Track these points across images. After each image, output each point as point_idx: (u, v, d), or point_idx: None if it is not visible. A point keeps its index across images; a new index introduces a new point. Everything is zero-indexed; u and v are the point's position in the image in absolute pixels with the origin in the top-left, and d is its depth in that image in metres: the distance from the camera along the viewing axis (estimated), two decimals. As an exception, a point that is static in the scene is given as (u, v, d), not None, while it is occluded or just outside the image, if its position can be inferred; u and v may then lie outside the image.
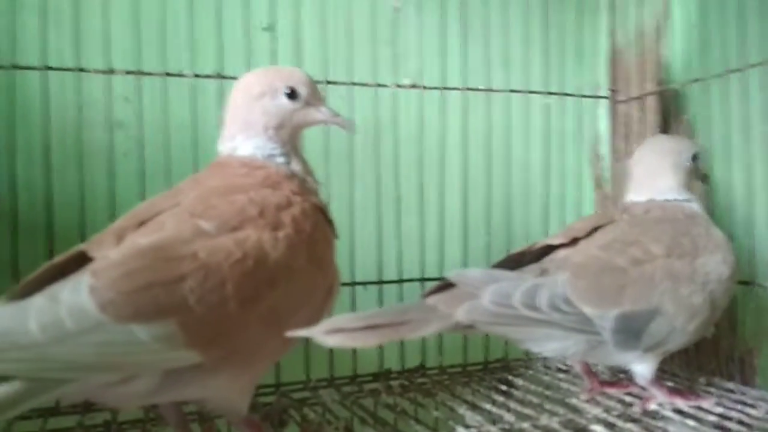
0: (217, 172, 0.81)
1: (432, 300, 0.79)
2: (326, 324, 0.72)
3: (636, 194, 1.01)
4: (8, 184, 0.94)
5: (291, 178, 0.82)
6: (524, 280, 0.81)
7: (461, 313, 0.77)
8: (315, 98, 0.85)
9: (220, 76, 1.05)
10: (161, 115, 1.02)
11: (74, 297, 0.61)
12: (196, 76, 1.04)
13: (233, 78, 1.05)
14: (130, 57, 1.01)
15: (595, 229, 0.92)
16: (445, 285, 0.82)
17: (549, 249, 0.91)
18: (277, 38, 1.08)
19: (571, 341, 0.83)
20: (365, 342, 0.73)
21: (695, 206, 0.99)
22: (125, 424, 0.91)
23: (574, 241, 0.90)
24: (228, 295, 0.67)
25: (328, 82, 1.10)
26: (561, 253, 0.89)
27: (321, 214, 0.82)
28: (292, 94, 0.83)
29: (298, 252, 0.74)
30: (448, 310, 0.77)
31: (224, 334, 0.67)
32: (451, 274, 0.81)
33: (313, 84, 0.85)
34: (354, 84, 1.12)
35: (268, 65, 1.07)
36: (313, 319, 0.75)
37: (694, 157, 1.01)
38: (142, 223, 0.71)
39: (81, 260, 0.67)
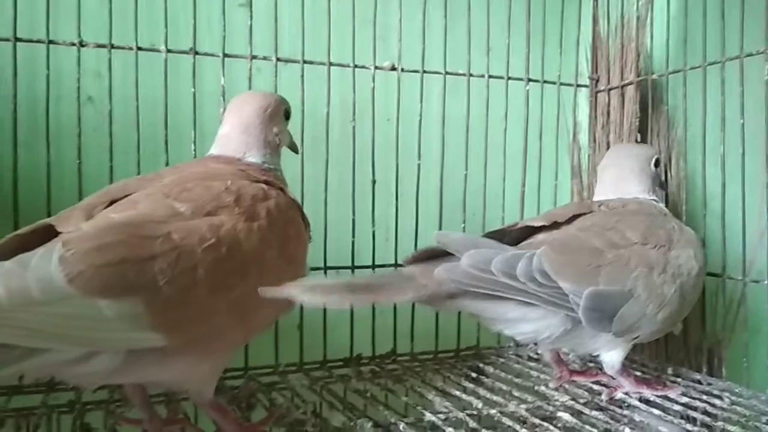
0: (204, 163, 0.81)
1: (410, 269, 0.79)
2: (302, 282, 0.71)
3: (601, 195, 1.04)
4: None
5: (276, 181, 0.84)
6: (505, 249, 0.82)
7: (440, 272, 0.77)
8: None
9: (195, 52, 1.03)
10: (132, 91, 0.99)
11: (43, 265, 0.59)
12: (169, 51, 1.02)
13: (208, 54, 1.04)
14: (101, 30, 0.98)
15: (575, 217, 0.92)
16: (427, 255, 0.82)
17: (528, 231, 0.91)
18: (253, 15, 1.06)
19: (545, 323, 0.83)
20: (340, 303, 0.72)
21: (661, 206, 1.02)
22: (90, 404, 0.89)
23: (554, 225, 0.91)
24: (198, 279, 0.65)
25: (305, 62, 1.08)
26: (539, 237, 0.89)
27: (297, 211, 0.82)
28: (287, 116, 0.92)
29: (271, 245, 0.74)
30: (426, 281, 0.77)
31: (190, 319, 0.65)
32: (435, 235, 0.82)
33: None
34: (332, 64, 1.10)
35: (244, 43, 1.05)
36: (277, 314, 0.74)
37: (656, 163, 1.04)
38: (112, 202, 0.69)
39: (47, 234, 0.65)
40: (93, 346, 0.62)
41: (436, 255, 0.82)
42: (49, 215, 0.92)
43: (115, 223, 0.64)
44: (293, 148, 0.96)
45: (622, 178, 1.03)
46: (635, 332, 0.85)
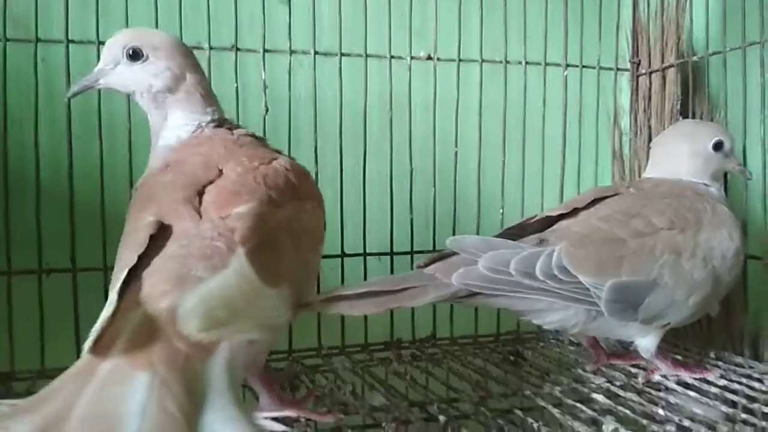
0: (232, 140, 0.81)
1: (430, 269, 0.80)
2: (328, 292, 0.75)
3: (650, 174, 1.02)
4: (33, 153, 0.98)
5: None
6: (522, 249, 0.82)
7: (456, 278, 0.78)
8: None
9: (237, 49, 1.07)
10: (178, 87, 1.04)
11: (240, 266, 0.62)
12: (212, 48, 1.06)
13: (249, 50, 1.08)
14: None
15: (596, 201, 0.92)
16: (444, 255, 0.83)
17: (548, 221, 0.91)
18: (292, 11, 1.09)
19: (570, 312, 0.84)
20: (364, 310, 0.76)
21: (712, 190, 0.97)
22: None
23: (574, 212, 0.90)
24: (310, 259, 0.73)
25: (342, 55, 1.11)
26: (562, 224, 0.89)
27: None
28: None
29: (321, 218, 0.80)
30: (446, 279, 0.78)
31: (301, 295, 0.72)
32: (448, 241, 0.82)
33: None
34: (369, 56, 1.13)
35: (284, 38, 1.09)
36: None
37: (717, 146, 0.97)
38: (198, 192, 0.69)
39: (162, 230, 0.65)
40: (277, 329, 0.69)
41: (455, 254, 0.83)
42: (102, 205, 0.99)
43: (251, 214, 0.67)
44: None
45: (668, 156, 1.00)
46: (664, 319, 0.85)
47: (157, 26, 1.02)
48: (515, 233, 0.90)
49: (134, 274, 0.60)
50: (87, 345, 0.53)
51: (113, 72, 0.81)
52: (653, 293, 0.82)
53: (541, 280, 0.79)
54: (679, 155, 0.98)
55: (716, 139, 0.97)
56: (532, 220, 0.92)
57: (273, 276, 0.64)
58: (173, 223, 0.66)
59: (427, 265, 0.82)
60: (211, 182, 0.71)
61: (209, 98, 0.83)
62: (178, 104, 0.81)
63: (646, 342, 0.89)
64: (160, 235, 0.64)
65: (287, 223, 0.70)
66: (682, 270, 0.84)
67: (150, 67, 0.79)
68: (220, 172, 0.73)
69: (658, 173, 1.00)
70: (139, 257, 0.61)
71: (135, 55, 0.79)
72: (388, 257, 1.14)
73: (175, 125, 0.81)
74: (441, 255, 0.83)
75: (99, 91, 0.99)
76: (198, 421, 0.50)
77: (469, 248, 0.81)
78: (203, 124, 0.81)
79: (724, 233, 0.88)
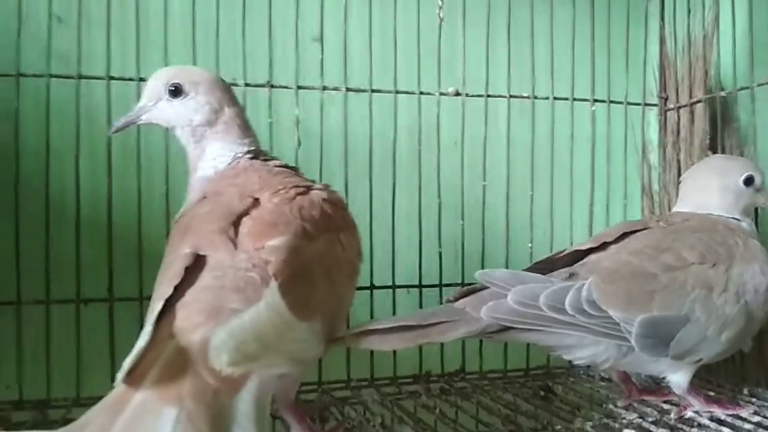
0: (262, 170, 0.82)
1: (460, 303, 0.81)
2: (358, 327, 0.76)
3: (680, 208, 1.02)
4: (74, 185, 1.01)
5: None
6: (552, 282, 0.82)
7: (485, 311, 0.78)
8: None
9: (271, 85, 1.10)
10: (214, 122, 1.07)
11: (272, 300, 0.63)
12: (248, 85, 1.09)
13: (283, 87, 1.11)
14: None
15: (626, 235, 0.92)
16: (474, 289, 0.83)
17: (578, 255, 0.91)
18: (324, 49, 1.12)
19: (601, 347, 0.83)
20: (394, 345, 0.76)
21: (744, 225, 0.96)
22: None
23: (603, 246, 0.91)
24: (343, 291, 0.74)
25: (373, 91, 1.14)
26: (592, 258, 0.89)
27: None
28: None
29: (357, 248, 0.81)
30: (475, 313, 0.79)
31: (333, 329, 0.72)
32: (477, 274, 0.83)
33: None
34: (398, 92, 1.16)
35: (316, 75, 1.12)
36: None
37: (748, 181, 0.97)
38: (234, 223, 0.70)
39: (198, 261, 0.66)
40: (307, 363, 0.71)
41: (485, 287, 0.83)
42: (139, 237, 1.02)
43: (294, 253, 0.68)
44: None
45: (699, 191, 0.99)
46: (696, 355, 0.84)
47: (195, 64, 1.05)
48: (544, 267, 0.90)
49: (170, 305, 0.61)
50: (120, 375, 0.54)
51: (155, 108, 0.83)
52: (685, 329, 0.82)
53: (570, 315, 0.79)
54: (710, 190, 0.98)
55: (747, 174, 0.97)
56: (562, 254, 0.92)
57: (305, 310, 0.65)
58: (208, 253, 0.67)
59: (456, 299, 0.82)
60: (246, 212, 0.72)
61: (246, 130, 0.85)
62: (216, 136, 0.83)
63: (678, 378, 0.88)
64: (196, 266, 0.65)
65: (321, 256, 0.71)
66: (714, 305, 0.83)
67: (190, 103, 0.81)
68: (256, 201, 0.74)
69: (688, 208, 1.00)
70: (175, 288, 0.62)
71: (176, 92, 0.81)
72: (417, 290, 1.16)
73: (213, 156, 0.83)
74: (470, 289, 0.84)
75: (138, 126, 1.03)
76: None
77: (498, 282, 0.81)
78: (239, 154, 0.83)
79: (756, 268, 0.87)
